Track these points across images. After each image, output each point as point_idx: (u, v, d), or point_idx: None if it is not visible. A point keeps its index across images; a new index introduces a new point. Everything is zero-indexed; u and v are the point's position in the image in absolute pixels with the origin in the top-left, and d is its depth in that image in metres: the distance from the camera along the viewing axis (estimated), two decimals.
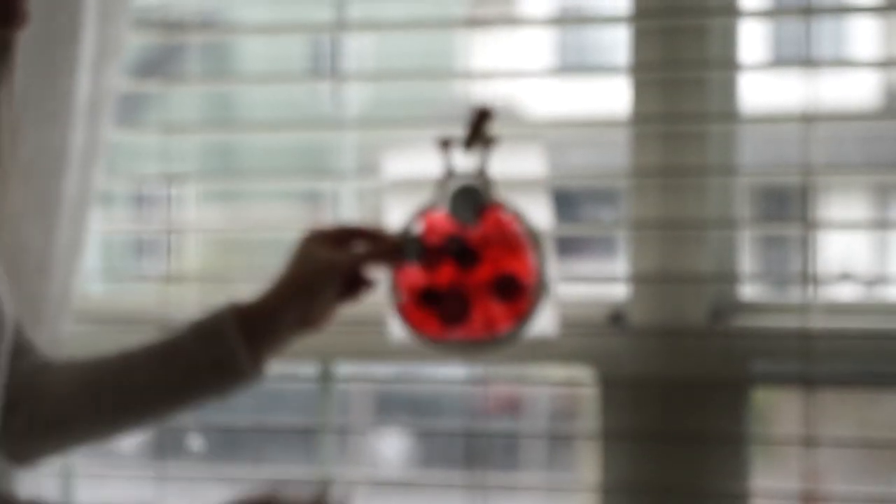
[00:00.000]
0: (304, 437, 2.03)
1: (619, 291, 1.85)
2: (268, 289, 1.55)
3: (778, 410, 1.88)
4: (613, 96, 1.84)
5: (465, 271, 1.57)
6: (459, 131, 1.58)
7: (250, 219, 2.15)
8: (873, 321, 1.74)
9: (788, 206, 1.82)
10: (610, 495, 1.83)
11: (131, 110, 2.05)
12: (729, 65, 1.81)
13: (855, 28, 1.99)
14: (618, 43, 1.84)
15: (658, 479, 1.80)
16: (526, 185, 1.57)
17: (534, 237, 1.57)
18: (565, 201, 1.95)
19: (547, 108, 2.05)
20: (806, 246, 1.74)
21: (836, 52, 1.96)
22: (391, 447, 2.19)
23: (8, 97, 1.45)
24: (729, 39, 1.81)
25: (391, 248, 1.57)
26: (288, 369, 1.56)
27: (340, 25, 1.93)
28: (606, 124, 1.89)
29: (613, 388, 1.82)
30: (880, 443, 1.82)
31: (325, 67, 2.06)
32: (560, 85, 2.02)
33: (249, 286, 1.99)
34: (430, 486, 1.98)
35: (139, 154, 2.07)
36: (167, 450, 1.94)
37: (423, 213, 1.59)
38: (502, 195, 1.57)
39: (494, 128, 1.57)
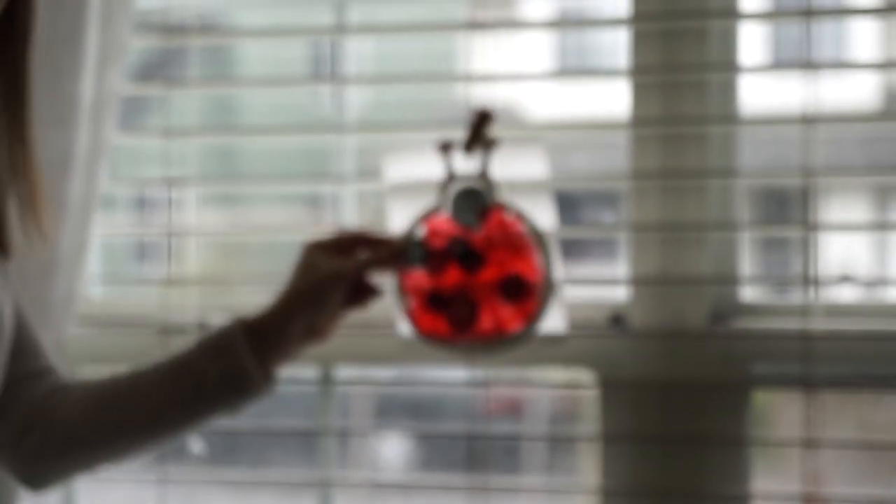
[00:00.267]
0: (306, 440, 2.03)
1: (619, 294, 1.85)
2: (273, 301, 1.54)
3: (778, 412, 1.88)
4: (614, 99, 1.84)
5: (471, 274, 1.57)
6: (460, 134, 1.58)
7: (251, 222, 2.15)
8: (874, 323, 1.74)
9: (789, 208, 1.82)
10: (610, 498, 1.83)
11: (132, 114, 2.05)
12: (729, 67, 1.81)
13: (855, 30, 1.99)
14: (618, 46, 1.85)
15: (659, 481, 1.80)
16: (528, 187, 1.57)
17: (538, 237, 1.57)
18: (566, 204, 1.95)
19: (547, 111, 2.05)
20: (806, 248, 1.74)
21: (835, 54, 1.96)
22: (392, 450, 2.19)
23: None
24: (729, 42, 1.81)
25: (395, 254, 1.56)
26: (289, 372, 1.56)
27: (341, 29, 1.93)
28: (607, 127, 1.89)
29: (614, 390, 1.82)
30: (881, 445, 1.82)
31: (326, 71, 2.06)
32: (560, 88, 2.02)
33: (250, 290, 2.00)
34: (431, 488, 1.98)
35: (140, 158, 2.08)
36: (168, 453, 1.94)
37: (426, 217, 1.59)
38: (504, 197, 1.58)
39: (495, 130, 1.57)
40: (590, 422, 1.89)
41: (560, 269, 1.57)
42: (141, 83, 2.00)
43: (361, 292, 1.57)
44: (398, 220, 1.60)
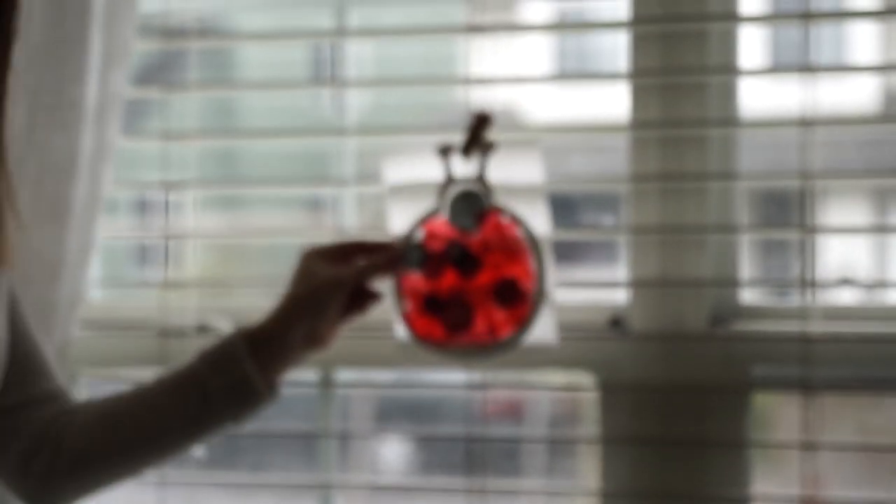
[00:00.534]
0: (305, 443, 2.03)
1: (619, 297, 1.85)
2: (272, 309, 1.55)
3: (778, 415, 1.88)
4: (613, 102, 1.85)
5: (467, 278, 1.57)
6: (460, 137, 1.58)
7: (251, 225, 2.16)
8: (873, 326, 1.75)
9: (788, 211, 1.82)
10: (610, 500, 1.83)
11: (133, 117, 2.05)
12: (728, 70, 1.81)
13: (854, 33, 1.99)
14: (617, 49, 1.85)
15: (658, 483, 1.80)
16: (523, 191, 1.57)
17: (532, 241, 1.57)
18: (565, 207, 1.95)
19: (547, 114, 2.05)
20: (806, 250, 1.75)
21: (834, 56, 1.96)
22: (392, 452, 2.19)
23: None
24: (728, 45, 1.81)
25: (392, 258, 1.57)
26: (289, 376, 1.56)
27: (341, 32, 1.94)
28: (606, 130, 1.89)
29: (614, 393, 1.82)
30: (880, 447, 1.82)
31: (326, 74, 2.06)
32: (560, 91, 2.02)
33: (251, 293, 2.00)
34: (431, 491, 1.98)
35: (141, 161, 2.08)
36: None
37: (425, 219, 1.59)
38: (501, 201, 1.58)
39: (494, 134, 1.57)
40: (590, 424, 1.89)
41: (553, 275, 1.57)
42: (141, 86, 2.00)
43: (361, 298, 1.57)
44: (398, 222, 1.60)
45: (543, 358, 1.64)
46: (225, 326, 1.90)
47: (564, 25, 2.01)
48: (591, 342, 1.82)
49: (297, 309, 1.53)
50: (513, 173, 1.57)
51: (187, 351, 1.57)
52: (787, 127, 1.76)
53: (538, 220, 1.57)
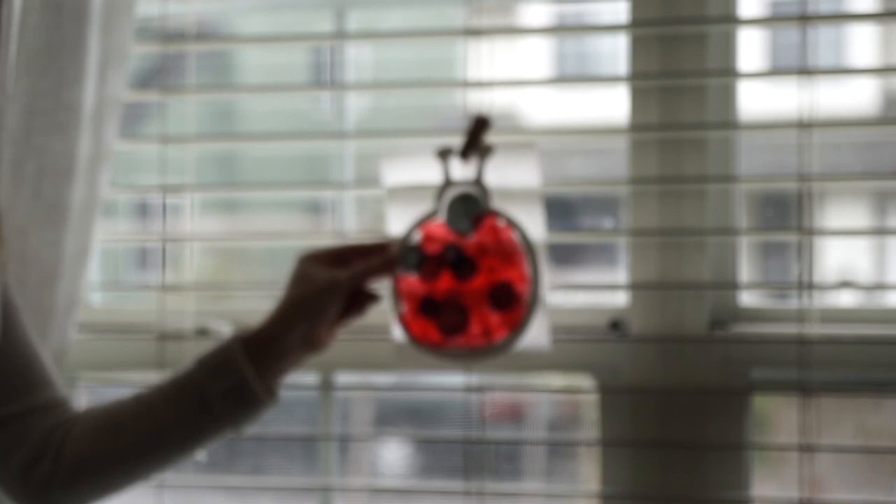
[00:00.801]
0: (305, 446, 2.03)
1: (618, 299, 1.85)
2: (270, 314, 1.54)
3: (777, 417, 1.88)
4: (613, 105, 1.85)
5: (463, 281, 1.57)
6: (459, 140, 1.58)
7: (251, 229, 2.16)
8: (872, 328, 1.75)
9: (787, 214, 1.82)
10: (610, 503, 1.83)
11: (132, 121, 2.05)
12: (727, 73, 1.81)
13: (852, 35, 1.99)
14: (616, 52, 1.85)
15: (658, 486, 1.80)
16: (519, 195, 1.57)
17: (528, 246, 1.57)
18: (564, 209, 1.96)
19: (546, 117, 2.05)
20: (804, 253, 1.75)
21: (833, 59, 1.97)
22: (392, 455, 2.19)
23: None
24: (727, 47, 1.81)
25: (389, 260, 1.56)
26: (289, 379, 1.57)
27: (340, 36, 1.94)
28: (606, 132, 1.89)
29: (613, 395, 1.82)
30: (879, 449, 1.82)
31: (325, 78, 2.07)
32: (559, 94, 2.03)
33: (250, 296, 2.00)
34: (430, 494, 1.98)
35: (140, 165, 2.08)
36: None
37: (422, 222, 1.59)
38: (497, 205, 1.58)
39: (493, 137, 1.57)
40: (589, 427, 1.89)
41: (548, 279, 1.57)
42: (140, 90, 2.00)
43: (359, 300, 1.57)
44: (397, 224, 1.60)
45: (543, 361, 1.64)
46: (224, 330, 1.90)
47: (563, 28, 2.01)
48: (591, 345, 1.82)
49: (294, 312, 1.53)
50: (510, 177, 1.57)
51: (186, 354, 1.57)
52: (785, 129, 1.77)
53: (534, 224, 1.57)
